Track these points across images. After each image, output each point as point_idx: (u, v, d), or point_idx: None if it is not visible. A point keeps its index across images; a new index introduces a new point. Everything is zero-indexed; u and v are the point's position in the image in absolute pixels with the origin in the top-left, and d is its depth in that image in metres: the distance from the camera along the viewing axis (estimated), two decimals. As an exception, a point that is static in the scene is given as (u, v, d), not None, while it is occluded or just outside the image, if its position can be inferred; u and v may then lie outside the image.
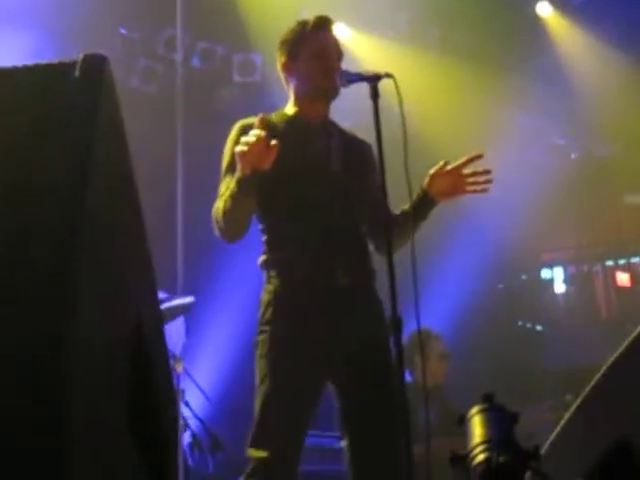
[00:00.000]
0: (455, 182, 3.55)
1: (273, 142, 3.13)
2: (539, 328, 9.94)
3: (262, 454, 3.23)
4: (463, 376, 7.64)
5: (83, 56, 1.57)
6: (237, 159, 3.20)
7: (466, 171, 3.55)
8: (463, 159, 3.52)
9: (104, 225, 1.64)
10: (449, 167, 3.53)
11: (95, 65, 1.56)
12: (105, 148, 1.57)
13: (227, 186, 3.40)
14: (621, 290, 9.54)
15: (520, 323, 10.00)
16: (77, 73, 1.53)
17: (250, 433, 3.30)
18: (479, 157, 3.52)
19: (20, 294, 1.46)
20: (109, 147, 1.63)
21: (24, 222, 1.48)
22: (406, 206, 3.51)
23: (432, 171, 3.52)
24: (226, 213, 3.34)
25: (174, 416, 2.04)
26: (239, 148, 3.16)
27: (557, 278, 10.06)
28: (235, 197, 3.27)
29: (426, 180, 3.53)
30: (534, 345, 9.57)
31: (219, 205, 3.39)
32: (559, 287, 10.07)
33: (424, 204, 3.51)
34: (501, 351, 8.92)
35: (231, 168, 3.43)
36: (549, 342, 9.53)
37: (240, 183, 3.23)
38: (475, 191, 3.58)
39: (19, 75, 1.58)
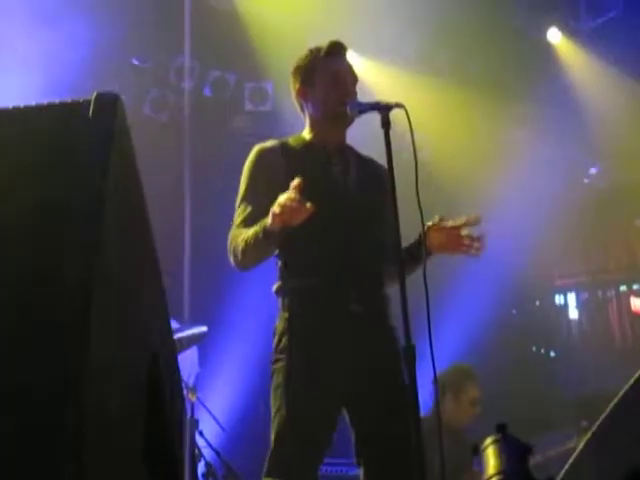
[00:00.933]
0: (450, 239, 3.52)
1: (308, 205, 3.10)
2: (553, 354, 9.90)
3: None
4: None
5: (96, 95, 1.58)
6: (270, 216, 3.18)
7: (463, 232, 3.52)
8: (462, 220, 3.50)
9: (119, 258, 1.65)
10: (449, 223, 3.50)
11: (108, 104, 1.57)
12: (118, 187, 1.58)
13: (244, 211, 3.43)
14: (635, 316, 9.49)
15: (534, 349, 9.96)
16: (90, 113, 1.54)
17: (265, 463, 3.29)
18: (477, 222, 3.51)
19: (37, 327, 1.47)
20: (122, 186, 1.64)
21: (39, 257, 1.49)
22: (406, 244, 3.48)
23: (429, 223, 3.48)
24: (246, 253, 3.35)
25: (184, 446, 2.04)
26: (275, 208, 3.14)
27: (571, 304, 10.02)
28: (259, 243, 3.28)
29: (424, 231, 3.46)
30: (548, 371, 9.53)
31: (238, 241, 3.38)
32: (573, 313, 10.03)
33: (418, 252, 3.44)
34: (515, 377, 8.88)
35: (249, 193, 3.47)
36: (563, 368, 9.49)
37: (267, 233, 3.23)
38: (467, 253, 3.56)
39: (33, 114, 1.59)
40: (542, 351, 9.96)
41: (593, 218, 9.47)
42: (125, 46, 7.77)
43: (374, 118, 3.24)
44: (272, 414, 3.33)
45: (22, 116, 1.58)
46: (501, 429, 2.56)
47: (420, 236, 3.41)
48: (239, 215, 3.48)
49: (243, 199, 3.51)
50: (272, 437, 3.30)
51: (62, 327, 1.44)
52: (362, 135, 4.06)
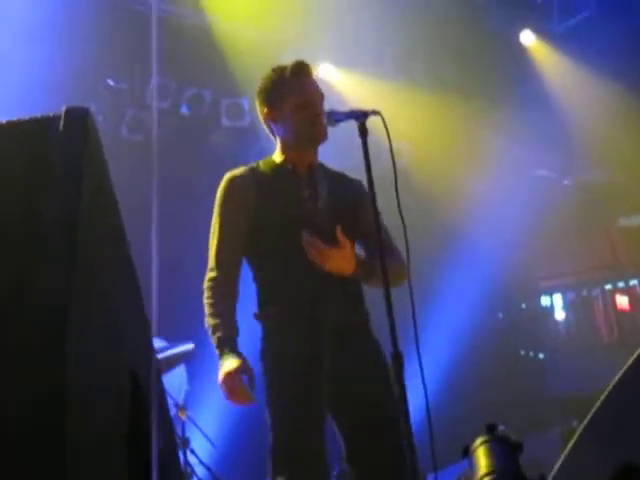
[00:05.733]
0: None
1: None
2: (541, 356, 9.91)
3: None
4: (468, 406, 7.61)
5: (66, 109, 1.57)
6: (223, 372, 3.27)
7: None
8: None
9: (97, 277, 1.63)
10: None
11: (78, 118, 1.56)
12: (93, 200, 1.57)
13: (218, 248, 3.48)
14: (621, 314, 9.51)
15: (522, 352, 9.97)
16: (61, 127, 1.53)
17: (269, 462, 3.30)
18: None
19: (17, 349, 1.45)
20: (96, 199, 1.63)
21: (20, 276, 1.48)
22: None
23: None
24: (207, 324, 3.43)
25: (174, 463, 2.02)
26: (229, 391, 3.25)
27: (557, 305, 10.03)
28: (212, 340, 3.38)
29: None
30: (537, 373, 9.54)
31: (207, 308, 3.46)
32: (559, 314, 10.04)
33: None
34: (504, 380, 8.88)
35: (222, 226, 3.50)
36: (552, 370, 9.50)
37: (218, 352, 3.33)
38: None
39: (3, 130, 1.58)
40: (531, 354, 9.97)
41: (575, 218, 9.50)
42: (100, 67, 7.76)
43: (351, 127, 3.24)
44: (270, 425, 3.35)
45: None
46: (491, 429, 2.55)
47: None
48: (213, 252, 3.52)
49: (216, 231, 3.52)
50: (273, 434, 3.32)
51: (41, 348, 1.42)
52: (339, 145, 4.06)
